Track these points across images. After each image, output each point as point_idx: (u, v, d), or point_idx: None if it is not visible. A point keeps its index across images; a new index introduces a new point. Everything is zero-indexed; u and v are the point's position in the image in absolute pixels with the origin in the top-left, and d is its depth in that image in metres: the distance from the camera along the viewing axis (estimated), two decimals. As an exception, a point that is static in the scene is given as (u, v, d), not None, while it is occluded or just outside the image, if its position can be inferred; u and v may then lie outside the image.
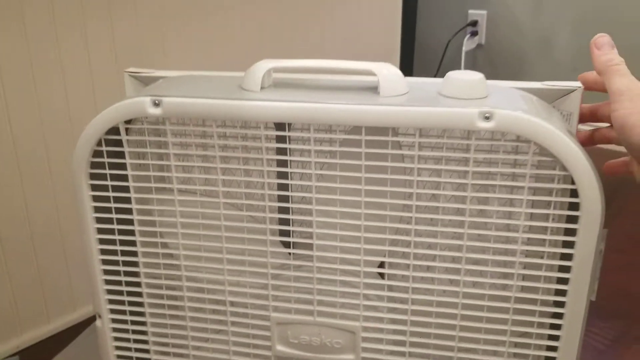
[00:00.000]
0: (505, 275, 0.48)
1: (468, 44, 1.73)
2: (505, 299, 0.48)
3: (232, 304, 0.53)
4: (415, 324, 0.50)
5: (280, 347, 0.53)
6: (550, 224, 0.45)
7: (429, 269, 0.49)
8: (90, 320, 0.92)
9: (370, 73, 0.47)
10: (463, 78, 0.46)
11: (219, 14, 1.02)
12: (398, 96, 0.46)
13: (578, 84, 0.50)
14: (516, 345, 0.49)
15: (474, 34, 1.75)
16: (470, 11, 1.77)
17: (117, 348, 0.57)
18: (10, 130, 0.81)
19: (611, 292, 0.98)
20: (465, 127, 0.44)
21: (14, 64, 0.80)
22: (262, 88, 0.49)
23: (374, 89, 0.48)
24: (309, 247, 0.50)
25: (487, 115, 0.43)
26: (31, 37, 0.80)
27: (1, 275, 0.83)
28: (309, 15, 1.20)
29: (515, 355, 0.50)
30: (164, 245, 0.53)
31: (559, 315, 0.47)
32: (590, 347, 0.84)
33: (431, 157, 0.47)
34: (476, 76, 0.46)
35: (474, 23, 1.75)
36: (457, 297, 0.48)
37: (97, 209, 0.52)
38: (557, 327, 0.47)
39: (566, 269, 0.46)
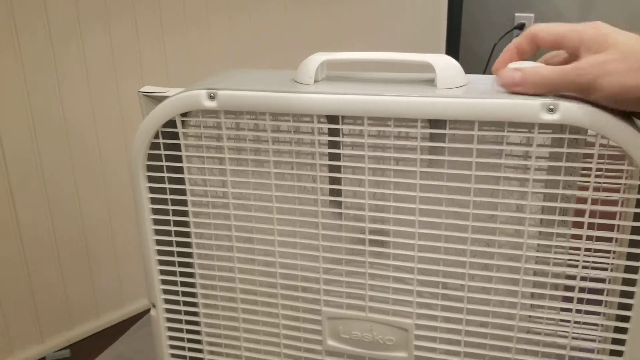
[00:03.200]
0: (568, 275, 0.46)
1: (515, 47, 1.70)
2: (567, 299, 0.46)
3: (284, 297, 0.53)
4: (471, 323, 0.49)
5: (331, 342, 0.53)
6: (617, 222, 0.44)
7: (486, 267, 0.48)
8: (138, 316, 0.94)
9: (426, 64, 0.46)
10: (524, 69, 0.45)
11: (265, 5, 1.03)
12: (456, 88, 0.46)
13: None
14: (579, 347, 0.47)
15: (521, 37, 1.71)
16: (517, 14, 1.73)
17: (171, 338, 0.57)
18: (65, 127, 0.84)
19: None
20: (527, 119, 0.42)
21: (69, 60, 0.82)
22: (315, 81, 0.49)
23: (430, 82, 0.47)
24: (362, 242, 0.50)
25: (551, 107, 0.42)
26: (85, 32, 0.83)
27: (55, 271, 0.86)
28: (356, 16, 1.20)
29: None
30: (218, 237, 0.53)
31: (624, 330, 0.45)
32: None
33: (489, 150, 0.46)
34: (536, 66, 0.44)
35: (521, 26, 1.72)
36: (516, 296, 0.47)
37: (154, 200, 0.53)
38: (621, 342, 0.45)
39: (634, 270, 0.44)
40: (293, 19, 1.08)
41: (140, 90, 0.53)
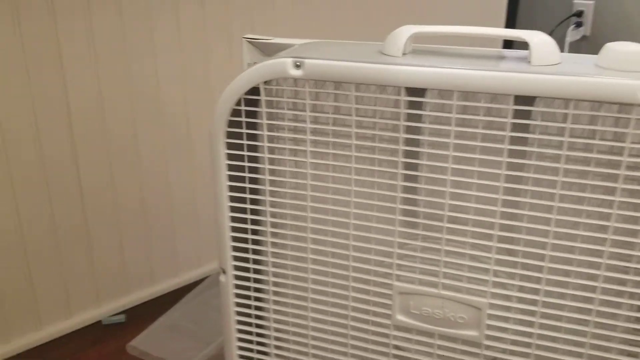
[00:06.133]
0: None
1: (572, 35, 1.65)
2: (651, 285, 0.45)
3: (356, 269, 0.53)
4: (546, 305, 0.48)
5: (400, 317, 0.53)
6: None
7: (568, 249, 0.47)
8: (192, 285, 0.96)
9: (521, 40, 0.45)
10: (623, 49, 0.44)
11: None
12: (550, 65, 0.45)
13: None
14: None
15: (579, 24, 1.66)
16: (575, 1, 1.68)
17: (238, 304, 0.58)
18: (159, 98, 0.86)
19: None
20: (624, 100, 0.41)
21: (164, 34, 0.84)
22: (403, 54, 0.48)
23: (523, 59, 0.46)
24: (439, 218, 0.49)
25: (652, 86, 0.40)
26: (182, 9, 0.84)
27: (114, 238, 0.88)
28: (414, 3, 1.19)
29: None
30: (292, 206, 0.54)
31: None
32: None
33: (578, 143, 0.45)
34: (638, 48, 0.43)
35: (580, 13, 1.67)
36: (597, 280, 0.46)
37: (231, 167, 0.53)
38: None
39: None
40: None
41: (245, 36, 0.55)
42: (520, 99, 0.45)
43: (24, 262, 0.80)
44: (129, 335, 0.84)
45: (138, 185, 0.88)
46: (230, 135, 0.53)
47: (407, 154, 0.49)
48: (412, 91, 0.47)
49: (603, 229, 0.45)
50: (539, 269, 0.48)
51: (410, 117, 0.48)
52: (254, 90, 0.51)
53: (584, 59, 0.46)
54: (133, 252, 0.90)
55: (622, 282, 0.46)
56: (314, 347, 0.58)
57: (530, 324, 0.49)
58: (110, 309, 0.90)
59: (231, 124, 0.52)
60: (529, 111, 0.45)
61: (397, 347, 0.55)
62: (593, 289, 0.47)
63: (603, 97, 0.42)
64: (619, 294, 0.46)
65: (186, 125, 0.91)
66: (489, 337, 0.51)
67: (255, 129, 0.53)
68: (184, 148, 0.92)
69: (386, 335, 0.54)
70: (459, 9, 1.27)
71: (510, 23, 1.45)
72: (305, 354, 0.58)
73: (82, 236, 0.84)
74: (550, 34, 1.72)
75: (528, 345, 0.50)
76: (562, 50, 1.64)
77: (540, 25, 1.71)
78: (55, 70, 0.76)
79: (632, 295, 0.46)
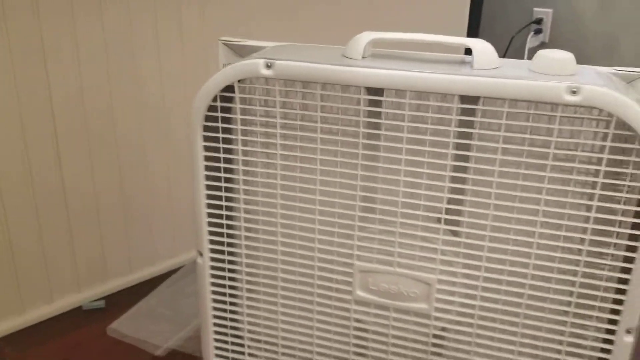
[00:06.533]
0: (582, 240, 0.52)
1: (532, 41, 1.75)
2: (576, 262, 0.52)
3: (321, 250, 0.59)
4: (487, 280, 0.55)
5: (360, 293, 0.59)
6: (624, 195, 0.49)
7: (503, 230, 0.54)
8: (168, 274, 1.00)
9: (466, 46, 0.52)
10: (554, 56, 0.50)
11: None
12: (490, 69, 0.51)
13: None
14: (581, 303, 0.53)
15: (539, 31, 1.76)
16: (535, 9, 1.78)
17: (213, 284, 0.64)
18: (139, 93, 0.90)
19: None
20: (552, 100, 0.48)
21: (141, 33, 0.88)
22: (363, 57, 0.54)
23: (467, 63, 0.53)
24: (395, 204, 0.56)
25: (574, 89, 0.47)
26: (160, 9, 0.89)
27: (93, 227, 0.92)
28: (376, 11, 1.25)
29: (578, 310, 0.54)
30: (263, 194, 0.59)
31: (625, 281, 0.51)
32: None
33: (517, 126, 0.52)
34: (566, 55, 0.50)
35: (539, 21, 1.76)
36: (530, 258, 0.53)
37: (208, 158, 0.59)
38: (622, 291, 0.51)
39: (636, 238, 0.50)
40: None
41: (220, 38, 0.60)
42: (466, 99, 0.51)
43: (8, 250, 0.84)
44: (109, 319, 0.88)
45: (118, 179, 0.93)
46: (207, 129, 0.58)
47: (367, 148, 0.55)
48: (372, 91, 0.54)
49: (535, 212, 0.52)
50: (481, 248, 0.54)
51: (370, 115, 0.54)
52: (229, 88, 0.56)
53: (520, 64, 0.53)
54: (112, 242, 0.95)
55: (552, 259, 0.53)
56: (284, 322, 0.63)
57: (473, 297, 0.56)
58: (90, 295, 0.94)
59: (208, 118, 0.58)
60: (474, 110, 0.51)
61: (357, 320, 0.61)
62: (526, 266, 0.53)
63: (532, 97, 0.49)
64: (548, 276, 0.53)
65: (165, 122, 0.96)
66: (437, 309, 0.57)
67: (230, 124, 0.58)
68: (162, 143, 0.96)
69: (347, 310, 0.60)
70: (424, 17, 1.34)
71: (474, 30, 1.53)
72: (275, 328, 0.64)
73: (63, 226, 0.88)
74: (511, 40, 1.81)
75: (472, 316, 0.56)
76: (522, 55, 1.73)
77: (502, 32, 1.80)
78: (39, 66, 0.80)
79: (560, 271, 0.53)
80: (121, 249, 0.96)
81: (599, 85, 0.47)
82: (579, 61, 0.51)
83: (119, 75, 0.89)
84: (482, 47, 0.52)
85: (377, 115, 0.54)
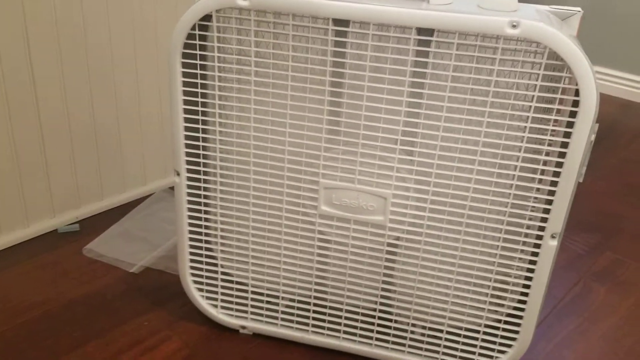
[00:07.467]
0: (511, 159, 0.60)
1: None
2: (509, 177, 0.60)
3: (290, 169, 0.66)
4: (435, 194, 0.63)
5: (324, 207, 0.66)
6: (554, 117, 0.57)
7: (450, 149, 0.61)
8: (139, 201, 1.05)
9: (422, -16, 0.58)
10: (498, -6, 0.57)
11: None
12: (443, 5, 0.57)
13: (578, 8, 0.61)
14: (516, 212, 0.62)
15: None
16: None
17: (190, 202, 0.70)
18: (107, 16, 0.91)
19: (593, 211, 1.12)
20: (495, 32, 0.55)
21: None
22: (330, -9, 0.59)
23: (424, 0, 0.59)
24: (357, 127, 0.62)
25: (514, 24, 0.54)
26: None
27: (67, 154, 0.95)
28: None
29: (513, 216, 0.63)
30: (237, 118, 0.65)
31: (553, 192, 0.60)
32: (572, 251, 0.98)
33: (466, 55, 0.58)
34: (509, -7, 0.56)
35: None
36: (472, 173, 0.61)
37: (186, 84, 0.64)
38: (550, 202, 0.60)
39: (562, 155, 0.58)
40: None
41: None
42: (422, 31, 0.57)
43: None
44: (83, 241, 0.93)
45: (90, 107, 0.96)
46: (185, 55, 0.62)
47: (334, 75, 0.61)
48: (339, 22, 0.59)
49: (477, 133, 0.59)
50: (430, 166, 0.62)
51: (336, 45, 0.60)
52: (207, 18, 0.60)
53: (470, 1, 0.59)
54: (85, 169, 0.98)
55: (490, 177, 0.61)
56: (255, 235, 0.70)
57: (423, 209, 0.64)
58: (64, 220, 0.98)
59: (187, 46, 0.62)
60: (429, 41, 0.58)
61: (321, 232, 0.68)
62: (469, 182, 0.62)
63: (478, 30, 0.55)
64: (485, 198, 0.61)
65: (132, 50, 0.98)
66: (392, 221, 0.65)
67: (207, 52, 0.63)
68: (130, 70, 0.99)
69: (312, 223, 0.68)
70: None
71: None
72: (246, 241, 0.71)
73: (38, 153, 0.91)
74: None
75: (421, 226, 0.65)
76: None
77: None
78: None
79: (499, 176, 0.61)
80: (93, 176, 1.00)
81: (536, 20, 0.54)
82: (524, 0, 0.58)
83: None
84: (437, -16, 0.57)
85: (343, 45, 0.60)
